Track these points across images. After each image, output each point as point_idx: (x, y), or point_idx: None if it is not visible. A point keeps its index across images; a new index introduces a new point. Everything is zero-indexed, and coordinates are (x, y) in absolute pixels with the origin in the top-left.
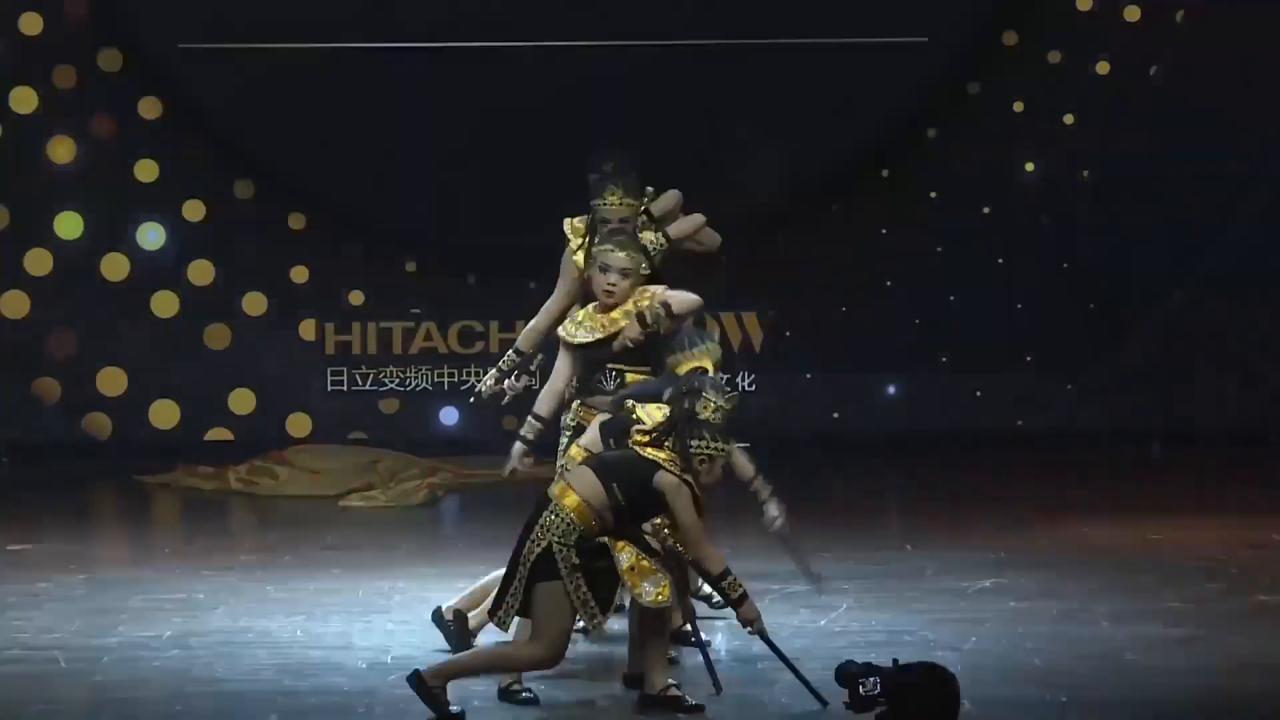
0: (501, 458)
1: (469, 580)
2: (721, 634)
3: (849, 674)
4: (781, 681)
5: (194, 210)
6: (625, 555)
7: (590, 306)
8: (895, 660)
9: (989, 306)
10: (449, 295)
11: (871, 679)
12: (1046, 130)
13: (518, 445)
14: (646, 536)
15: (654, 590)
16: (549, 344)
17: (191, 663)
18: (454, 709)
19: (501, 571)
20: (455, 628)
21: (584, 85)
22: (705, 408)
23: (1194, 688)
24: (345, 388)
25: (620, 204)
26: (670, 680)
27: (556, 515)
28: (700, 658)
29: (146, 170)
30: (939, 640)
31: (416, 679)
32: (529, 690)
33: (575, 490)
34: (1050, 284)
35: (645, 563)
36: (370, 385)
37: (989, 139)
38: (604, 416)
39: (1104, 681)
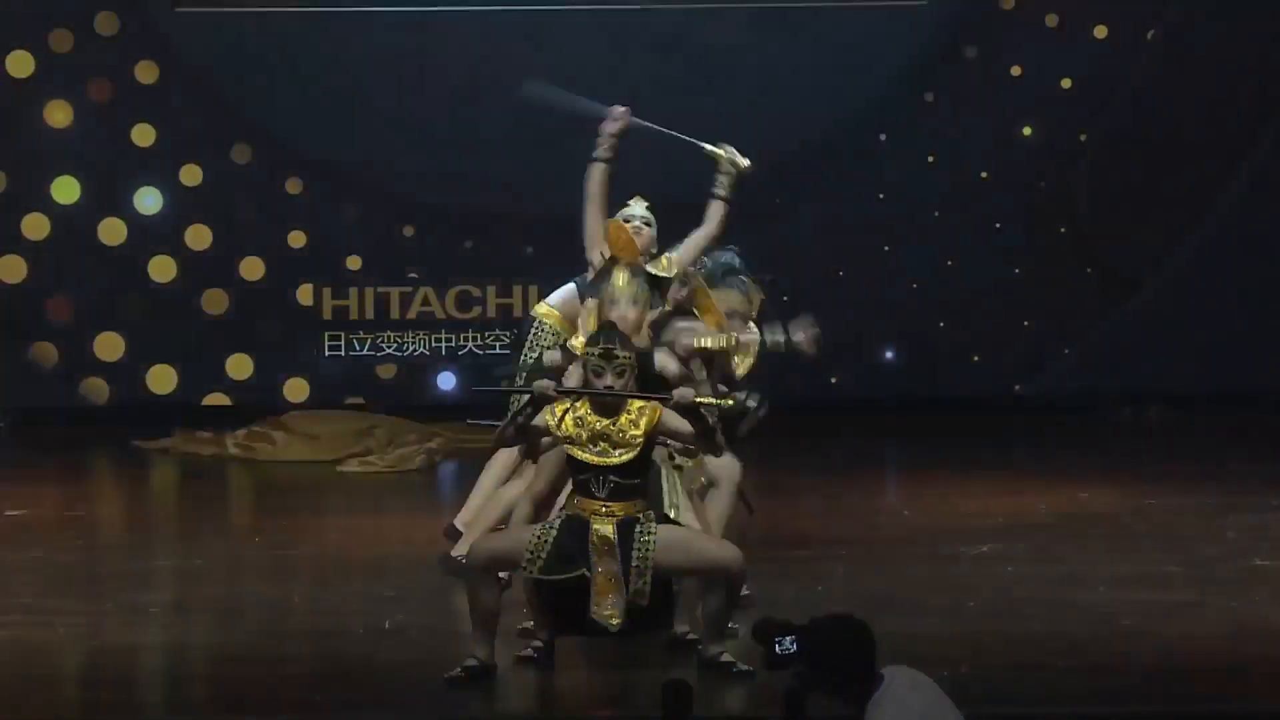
0: (497, 423)
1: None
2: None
3: (766, 632)
4: None
5: (191, 175)
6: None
7: (577, 414)
8: (811, 619)
9: (986, 271)
10: (447, 260)
11: (788, 637)
12: (1044, 94)
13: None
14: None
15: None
16: None
17: (189, 629)
18: (470, 663)
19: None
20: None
21: (580, 48)
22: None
23: (1191, 653)
24: (343, 352)
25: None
26: (724, 648)
27: None
28: None
29: (143, 135)
30: (935, 606)
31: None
32: (540, 644)
33: None
34: (1048, 248)
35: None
36: (367, 350)
37: (987, 103)
38: None
39: (1101, 647)
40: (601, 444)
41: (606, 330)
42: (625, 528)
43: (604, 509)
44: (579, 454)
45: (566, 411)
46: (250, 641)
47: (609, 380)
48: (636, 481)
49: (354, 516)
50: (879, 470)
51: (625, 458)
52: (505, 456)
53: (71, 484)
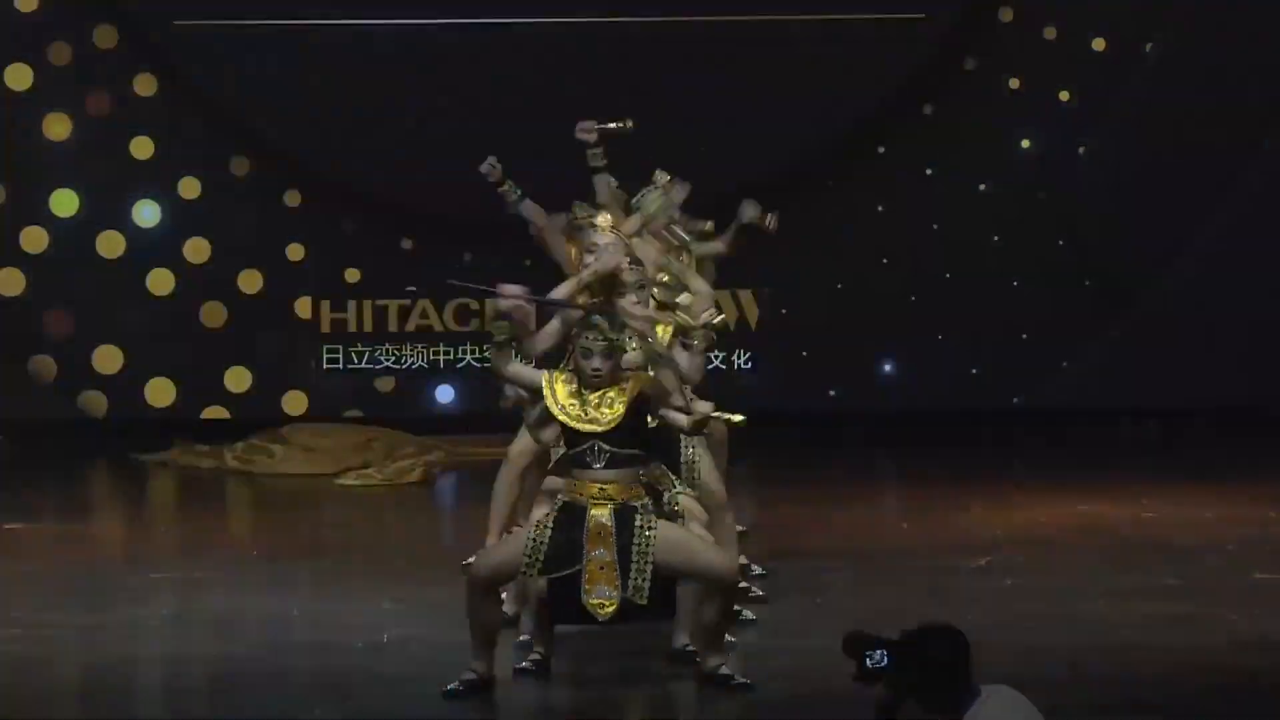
0: (497, 436)
1: (465, 552)
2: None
3: (856, 645)
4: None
5: (190, 188)
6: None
7: (571, 387)
8: (904, 631)
9: (985, 284)
10: (445, 273)
11: (879, 651)
12: (1043, 106)
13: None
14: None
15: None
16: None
17: (188, 642)
18: (468, 676)
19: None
20: None
21: (580, 60)
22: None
23: (1191, 665)
24: (341, 366)
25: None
26: (723, 660)
27: None
28: None
29: (142, 147)
30: (935, 618)
31: None
32: (538, 657)
33: None
34: (1046, 261)
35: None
36: (366, 363)
37: (985, 115)
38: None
39: (1100, 659)
40: (591, 413)
41: (596, 314)
42: (623, 516)
43: (600, 491)
44: (573, 424)
45: (564, 403)
46: (249, 654)
47: (596, 363)
48: (633, 452)
49: (352, 529)
50: (877, 483)
51: (613, 415)
52: (508, 488)
53: (70, 497)
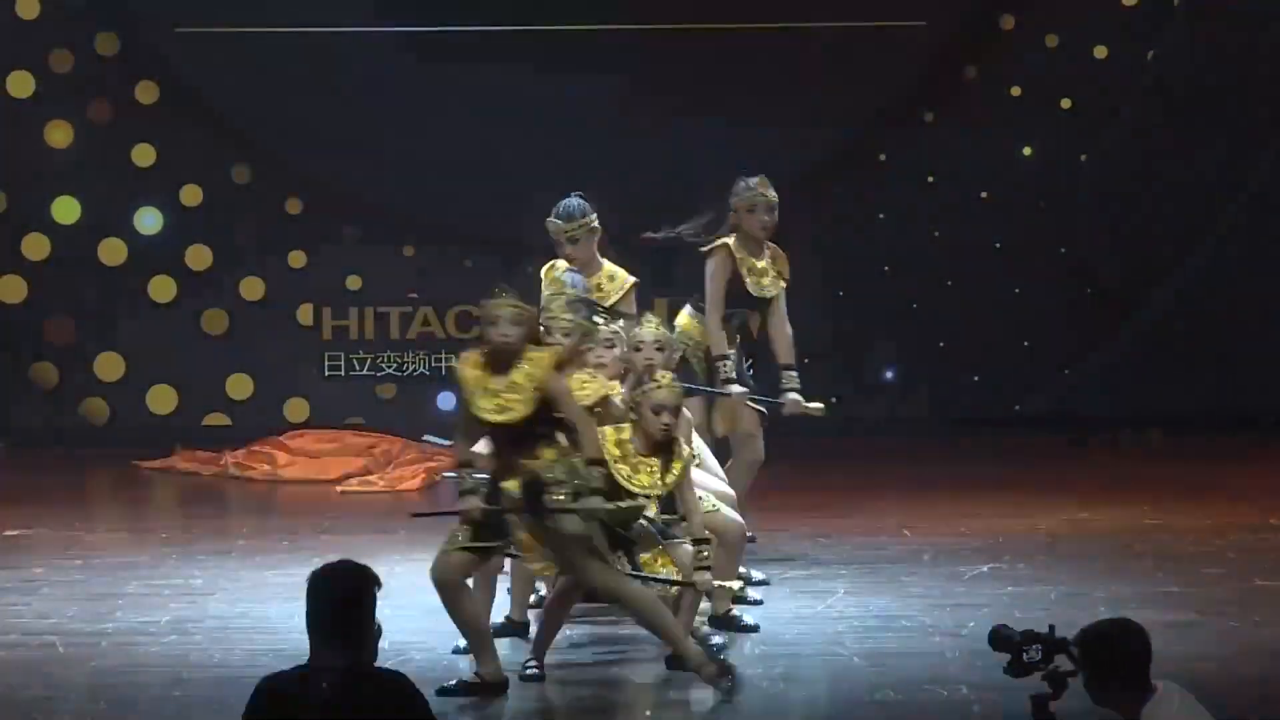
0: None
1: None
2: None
3: (1011, 640)
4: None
5: (191, 195)
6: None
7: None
8: (1051, 627)
9: (986, 291)
10: (446, 280)
11: (1035, 646)
12: (1044, 115)
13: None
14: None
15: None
16: None
17: (189, 648)
18: (467, 677)
19: None
20: None
21: (578, 70)
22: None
23: (1192, 673)
24: (343, 373)
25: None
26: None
27: None
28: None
29: (143, 155)
30: (936, 625)
31: None
32: (535, 666)
33: None
34: (1047, 269)
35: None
36: (367, 370)
37: (986, 124)
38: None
39: None
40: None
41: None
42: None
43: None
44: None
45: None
46: (250, 661)
47: (666, 419)
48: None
49: (354, 536)
50: (879, 489)
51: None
52: None
53: (71, 504)
